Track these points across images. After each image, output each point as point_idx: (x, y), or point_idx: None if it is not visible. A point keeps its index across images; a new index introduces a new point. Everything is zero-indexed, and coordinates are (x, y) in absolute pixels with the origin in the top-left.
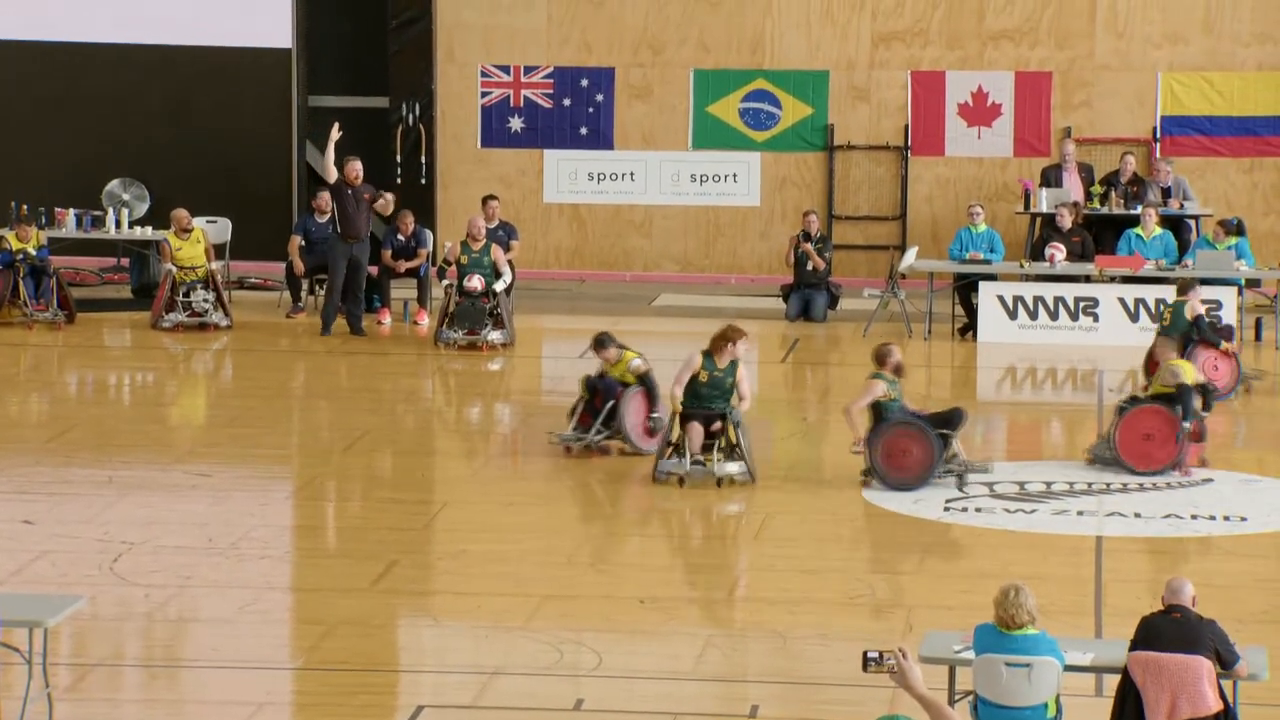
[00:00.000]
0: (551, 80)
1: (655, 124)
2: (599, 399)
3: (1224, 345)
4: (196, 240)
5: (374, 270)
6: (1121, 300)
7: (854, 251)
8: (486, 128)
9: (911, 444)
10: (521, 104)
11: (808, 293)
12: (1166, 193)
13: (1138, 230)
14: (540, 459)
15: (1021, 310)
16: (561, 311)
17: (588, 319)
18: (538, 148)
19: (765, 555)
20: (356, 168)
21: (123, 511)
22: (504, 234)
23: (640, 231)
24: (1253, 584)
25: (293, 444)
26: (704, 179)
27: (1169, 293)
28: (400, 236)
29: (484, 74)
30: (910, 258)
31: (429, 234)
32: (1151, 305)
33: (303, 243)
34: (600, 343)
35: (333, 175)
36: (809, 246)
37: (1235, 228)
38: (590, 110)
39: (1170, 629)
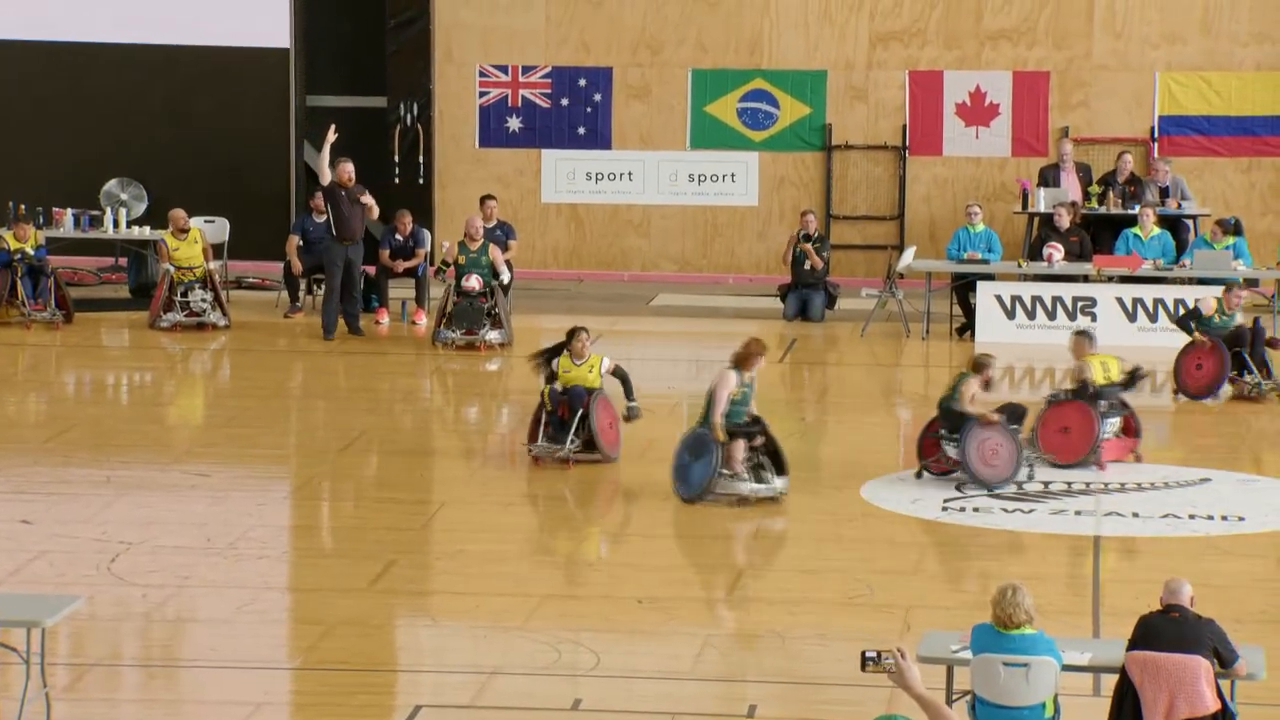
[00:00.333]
0: (549, 80)
1: (653, 124)
2: (565, 409)
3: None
4: (194, 240)
5: (372, 270)
6: (1119, 300)
7: (852, 251)
8: (484, 127)
9: (1001, 441)
10: (519, 104)
11: (805, 292)
12: (1164, 192)
13: (1135, 230)
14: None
15: (1019, 310)
16: (559, 311)
17: (586, 319)
18: (536, 147)
19: (763, 555)
20: (349, 169)
21: (121, 511)
22: (502, 234)
23: (638, 231)
24: (1251, 584)
25: (291, 444)
26: (702, 179)
27: (1168, 292)
28: (398, 236)
29: (482, 74)
30: (908, 257)
31: (427, 234)
32: (1150, 305)
33: (301, 242)
34: (579, 335)
35: (326, 177)
36: (807, 246)
37: (1233, 227)
38: (588, 110)
39: (1168, 629)
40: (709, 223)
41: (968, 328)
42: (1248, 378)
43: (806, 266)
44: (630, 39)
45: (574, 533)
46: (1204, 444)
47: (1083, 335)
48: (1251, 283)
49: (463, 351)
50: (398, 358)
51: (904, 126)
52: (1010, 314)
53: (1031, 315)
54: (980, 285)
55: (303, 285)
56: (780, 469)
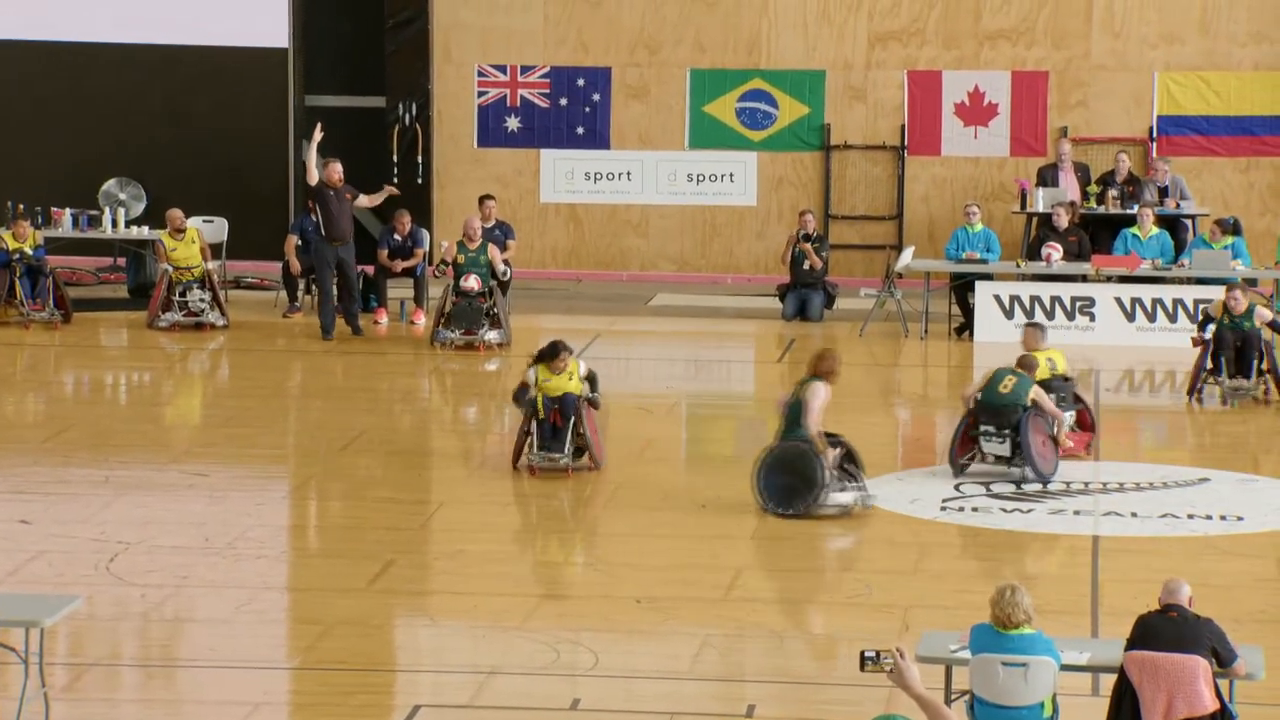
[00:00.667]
0: (548, 80)
1: (652, 124)
2: (557, 416)
3: None
4: (191, 240)
5: (370, 270)
6: (1118, 300)
7: (850, 251)
8: (483, 127)
9: (1047, 436)
10: (518, 104)
11: (804, 292)
12: (1163, 192)
13: (1134, 230)
14: None
15: (1018, 310)
16: (558, 311)
17: (584, 319)
18: (534, 147)
19: (762, 555)
20: (337, 169)
21: (119, 511)
22: (500, 234)
23: (637, 231)
24: (1249, 583)
25: (289, 444)
26: (700, 179)
27: (1166, 292)
28: (397, 236)
29: (480, 74)
30: (907, 257)
31: (425, 233)
32: (1148, 305)
33: (299, 242)
34: (562, 351)
35: (314, 178)
36: (806, 246)
37: (1231, 227)
38: (587, 110)
39: (1167, 628)
40: (708, 223)
41: (966, 328)
42: (1240, 382)
43: (805, 266)
44: (629, 39)
45: (572, 533)
46: (1202, 443)
47: (1034, 327)
48: (1250, 282)
49: (461, 351)
50: (396, 357)
51: (902, 126)
52: (1009, 314)
53: (1030, 315)
54: (979, 285)
55: (301, 285)
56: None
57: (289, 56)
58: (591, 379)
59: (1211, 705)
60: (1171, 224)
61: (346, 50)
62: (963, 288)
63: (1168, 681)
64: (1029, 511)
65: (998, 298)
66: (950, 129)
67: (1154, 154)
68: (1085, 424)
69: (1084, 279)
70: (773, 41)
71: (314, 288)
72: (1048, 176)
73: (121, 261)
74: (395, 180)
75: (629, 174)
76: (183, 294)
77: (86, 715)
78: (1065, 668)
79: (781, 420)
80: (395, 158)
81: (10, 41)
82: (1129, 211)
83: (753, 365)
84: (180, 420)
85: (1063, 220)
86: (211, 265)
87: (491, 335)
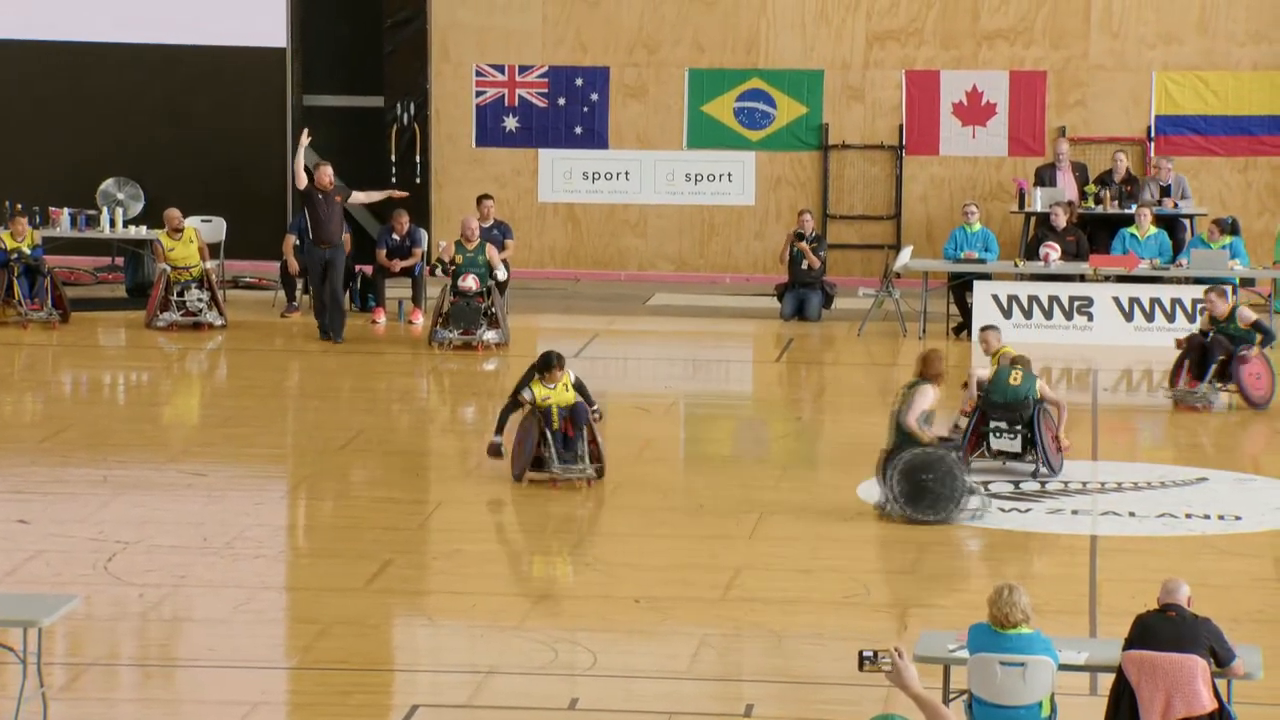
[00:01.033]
0: (546, 80)
1: (650, 123)
2: (569, 426)
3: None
4: (189, 240)
5: (369, 270)
6: (1116, 299)
7: (849, 251)
8: (481, 127)
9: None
10: (516, 103)
11: (802, 292)
12: (1166, 190)
13: (1132, 229)
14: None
15: (1016, 309)
16: (556, 311)
17: (583, 318)
18: (532, 147)
19: (760, 554)
20: (328, 173)
21: (117, 511)
22: (499, 233)
23: (635, 231)
24: (1247, 583)
25: (287, 443)
26: (699, 178)
27: (1164, 292)
28: (395, 236)
29: (479, 73)
30: (905, 257)
31: (424, 233)
32: (1146, 305)
33: (297, 242)
34: (556, 363)
35: (302, 181)
36: (804, 245)
37: (1230, 227)
38: (585, 110)
39: (1165, 628)
40: (706, 222)
41: (964, 327)
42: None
43: (804, 266)
44: (627, 39)
45: (570, 533)
46: (1201, 443)
47: (990, 329)
48: (1248, 282)
49: (459, 351)
50: (394, 357)
51: (900, 126)
52: (1007, 313)
53: (1028, 315)
54: (977, 285)
55: (299, 285)
56: None
57: (287, 56)
58: (580, 387)
59: (1210, 705)
60: (1170, 224)
61: (345, 50)
62: (961, 287)
63: (1166, 681)
64: (1027, 511)
65: (996, 297)
66: (948, 129)
67: (1152, 153)
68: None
69: (1082, 279)
70: (771, 41)
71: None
72: (1046, 176)
73: (119, 261)
74: (394, 180)
75: (627, 174)
76: (181, 294)
77: (85, 715)
78: (1063, 667)
79: (893, 426)
80: (393, 157)
81: (9, 41)
82: (1127, 211)
83: (751, 365)
84: (178, 420)
85: (1061, 220)
86: (209, 265)
87: (490, 335)
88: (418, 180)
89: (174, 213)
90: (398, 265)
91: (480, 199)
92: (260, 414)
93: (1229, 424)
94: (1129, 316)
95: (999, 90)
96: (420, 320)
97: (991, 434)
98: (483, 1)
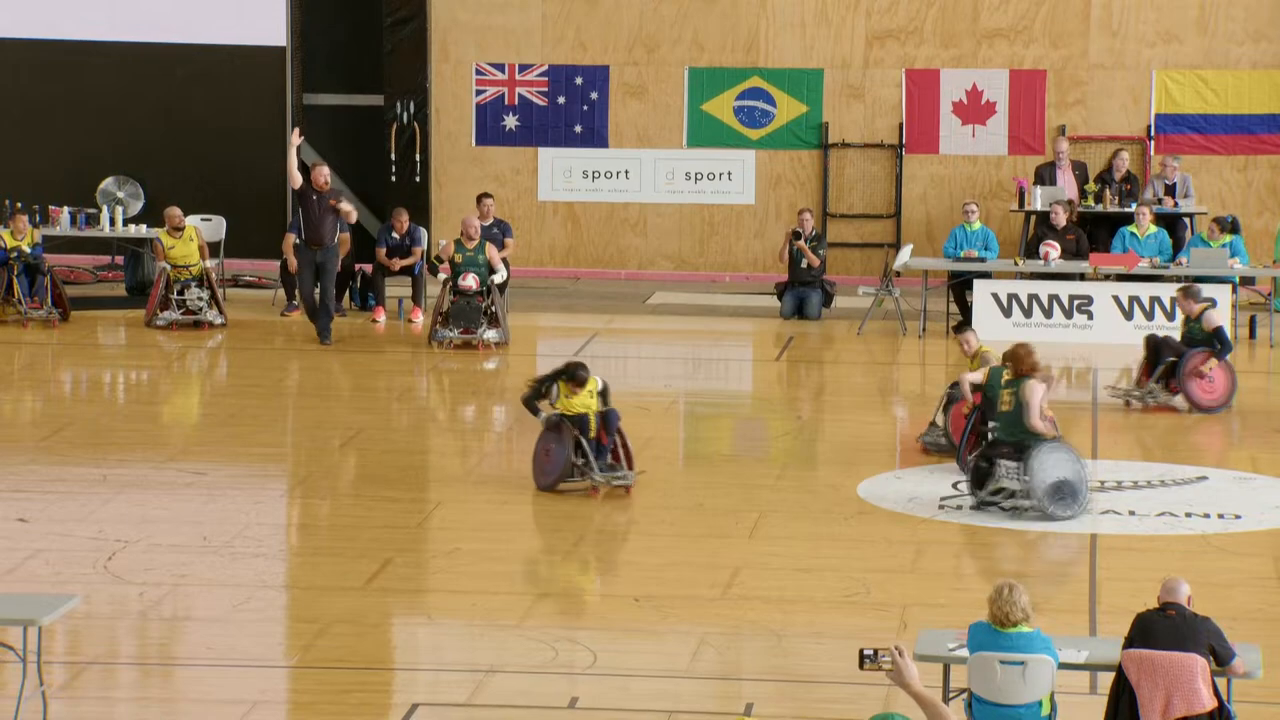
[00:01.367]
0: (546, 78)
1: (650, 122)
2: (603, 434)
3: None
4: (189, 238)
5: (369, 268)
6: (1116, 298)
7: (848, 249)
8: (481, 126)
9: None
10: (516, 102)
11: (802, 290)
12: (1170, 189)
13: (1132, 228)
14: None
15: (1016, 308)
16: (556, 310)
17: (582, 317)
18: (532, 146)
19: (760, 553)
20: (324, 173)
21: (117, 510)
22: (499, 232)
23: (635, 230)
24: (1247, 582)
25: (287, 442)
26: (699, 177)
27: (1164, 291)
28: (395, 234)
29: (478, 72)
30: (905, 255)
31: (424, 232)
32: (1146, 303)
33: (297, 241)
34: (582, 374)
35: (296, 181)
36: (803, 244)
37: (1230, 226)
38: (585, 108)
39: (1165, 627)
40: (706, 221)
41: (964, 326)
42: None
43: (803, 265)
44: (627, 37)
45: (570, 531)
46: (1201, 442)
47: (967, 331)
48: (1248, 281)
49: (459, 350)
50: (394, 356)
51: (900, 125)
52: (1007, 312)
53: (1028, 313)
54: (977, 283)
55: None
56: None
57: (287, 55)
58: (605, 393)
59: (1209, 703)
60: (1170, 222)
61: (344, 49)
62: (961, 286)
63: (1166, 680)
64: (1027, 510)
65: (996, 296)
66: (948, 127)
67: (1152, 152)
68: None
69: (1082, 277)
70: (771, 40)
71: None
72: (1046, 175)
73: (119, 260)
74: (394, 179)
75: (627, 172)
76: (180, 292)
77: (84, 714)
78: (1063, 666)
79: (1003, 426)
80: (393, 156)
81: (9, 40)
82: (1127, 210)
83: (751, 364)
84: (178, 419)
85: (1060, 219)
86: (209, 264)
87: (490, 334)
88: (417, 179)
89: (175, 211)
90: (398, 264)
91: (480, 198)
92: (260, 413)
93: (1228, 423)
94: (1129, 315)
95: (999, 89)
96: (420, 319)
97: (990, 434)
98: (482, 0)
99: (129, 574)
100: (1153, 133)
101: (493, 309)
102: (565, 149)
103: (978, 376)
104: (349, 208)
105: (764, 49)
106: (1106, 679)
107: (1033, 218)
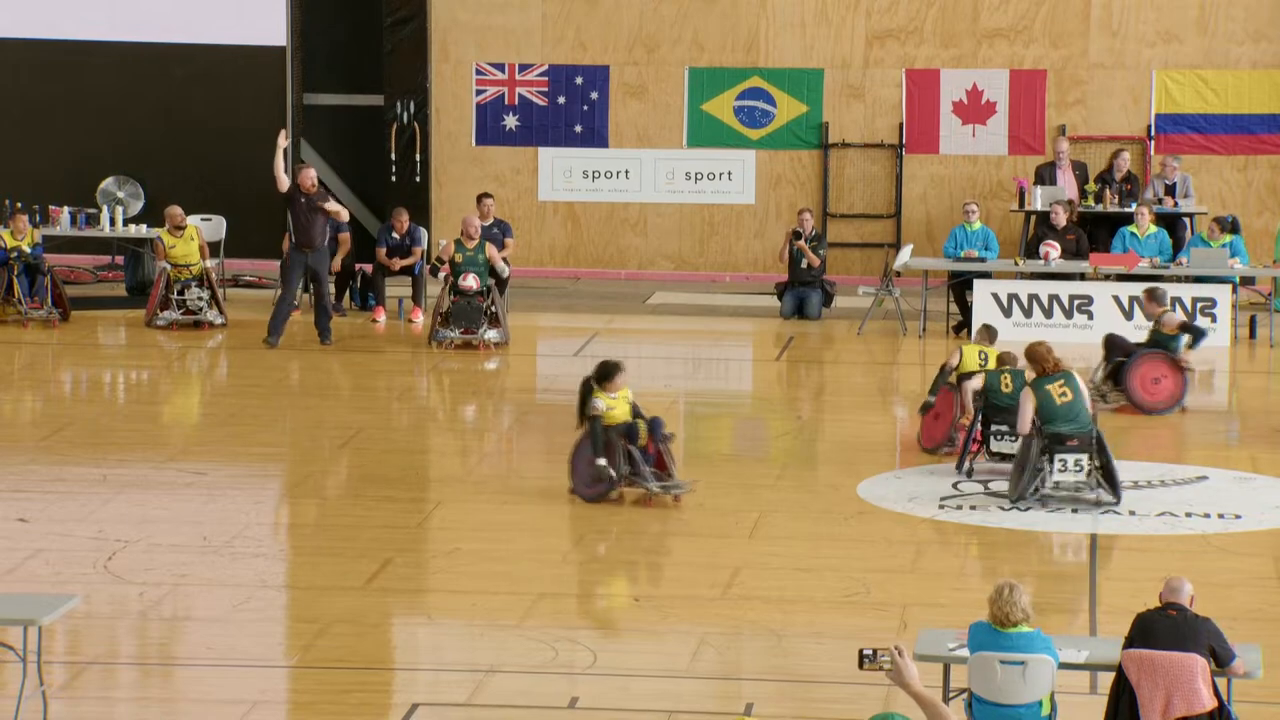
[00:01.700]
0: (546, 78)
1: (650, 122)
2: (650, 442)
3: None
4: (190, 238)
5: (369, 268)
6: (1116, 298)
7: (849, 249)
8: (481, 126)
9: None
10: (516, 102)
11: (802, 290)
12: (1170, 189)
13: (1132, 228)
14: (535, 457)
15: (1016, 308)
16: (556, 310)
17: (582, 317)
18: (532, 145)
19: (760, 553)
20: (311, 175)
21: (117, 510)
22: (499, 232)
23: (635, 229)
24: (1247, 582)
25: (287, 442)
26: (699, 177)
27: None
28: (395, 234)
29: (479, 72)
30: (905, 255)
31: (424, 232)
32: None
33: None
34: (617, 372)
35: (284, 184)
36: (804, 244)
37: (1230, 225)
38: (585, 108)
39: (1165, 627)
40: (706, 221)
41: (964, 326)
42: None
43: (803, 264)
44: (627, 37)
45: (570, 531)
46: (1200, 442)
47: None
48: (1248, 281)
49: (460, 350)
50: (394, 356)
51: (900, 125)
52: (1007, 312)
53: (1028, 313)
54: (977, 283)
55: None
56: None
57: (287, 55)
58: (635, 408)
59: (1209, 703)
60: (1170, 222)
61: (344, 48)
62: (961, 286)
63: (1166, 680)
64: (1027, 510)
65: (996, 296)
66: (948, 127)
67: (1152, 152)
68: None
69: (1082, 277)
70: (771, 40)
71: (311, 286)
72: (1046, 175)
73: (119, 260)
74: (394, 179)
75: (627, 172)
76: (181, 292)
77: (84, 714)
78: (1063, 666)
79: (1064, 419)
80: (393, 156)
81: (9, 40)
82: (1127, 210)
83: (751, 364)
84: (178, 418)
85: (1061, 218)
86: (209, 263)
87: (491, 334)
88: (417, 179)
89: (176, 210)
90: (398, 264)
91: (480, 198)
92: (260, 413)
93: (1228, 423)
94: (1129, 315)
95: (999, 89)
96: (420, 319)
97: (993, 436)
98: (482, 0)
99: (129, 574)
100: (1153, 133)
101: (493, 309)
102: (565, 149)
103: (977, 383)
104: (336, 207)
105: (764, 49)
106: (1106, 679)
107: (1033, 218)
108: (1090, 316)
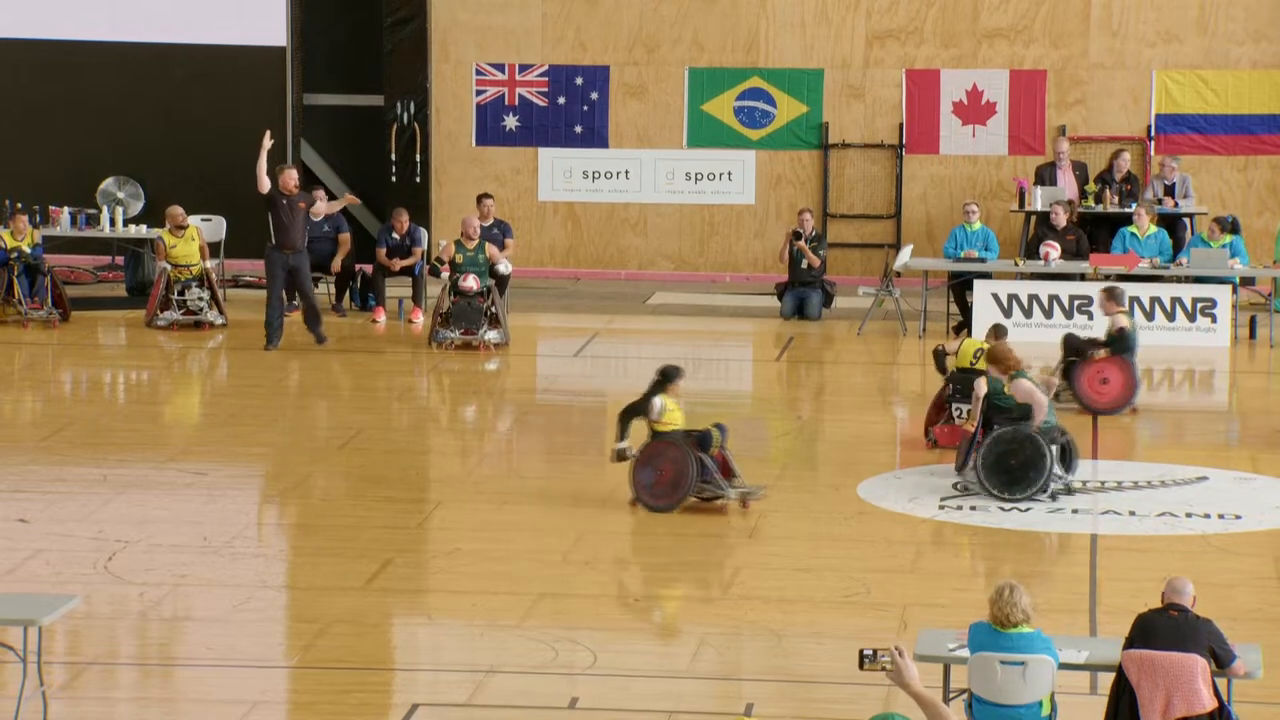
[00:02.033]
0: (546, 78)
1: (650, 122)
2: (719, 450)
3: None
4: (191, 238)
5: (369, 268)
6: None
7: (849, 250)
8: (481, 126)
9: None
10: (516, 102)
11: (802, 291)
12: (1170, 189)
13: (1132, 228)
14: (535, 458)
15: (1016, 308)
16: (556, 310)
17: (582, 317)
18: (532, 146)
19: (760, 553)
20: (292, 177)
21: (117, 510)
22: (499, 232)
23: (635, 230)
24: (1247, 582)
25: (287, 442)
26: (699, 177)
27: (1164, 291)
28: (395, 235)
29: (479, 72)
30: (905, 256)
31: (424, 232)
32: (1146, 304)
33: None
34: (676, 376)
35: (265, 185)
36: (804, 244)
37: (1230, 226)
38: (585, 108)
39: (1166, 627)
40: (706, 221)
41: (964, 326)
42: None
43: (804, 265)
44: (627, 37)
45: (570, 531)
46: (1201, 441)
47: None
48: (1248, 281)
49: (460, 351)
50: (394, 356)
51: (901, 125)
52: (1007, 312)
53: (1028, 314)
54: (977, 284)
55: None
56: None
57: (287, 55)
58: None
59: (1210, 704)
60: (1170, 222)
61: (344, 49)
62: (961, 286)
63: (1166, 680)
64: (1027, 510)
65: (996, 296)
66: (948, 127)
67: (1152, 152)
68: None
69: (1082, 278)
70: (771, 40)
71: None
72: (1046, 175)
73: (120, 260)
74: (394, 179)
75: (627, 172)
76: (181, 292)
77: (84, 714)
78: (1064, 666)
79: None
80: (393, 156)
81: (9, 40)
82: (1127, 210)
83: (751, 364)
84: (178, 419)
85: (1061, 219)
86: (209, 264)
87: (491, 335)
88: (417, 179)
89: (177, 210)
90: (398, 264)
91: (480, 198)
92: (260, 413)
93: (1228, 422)
94: (1128, 316)
95: (999, 89)
96: (420, 319)
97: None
98: (482, 0)
99: (129, 574)
100: (1153, 133)
101: (493, 310)
102: (565, 149)
103: (982, 388)
104: (324, 207)
105: (764, 49)
106: (1106, 679)
107: (1033, 218)
108: (1090, 317)
